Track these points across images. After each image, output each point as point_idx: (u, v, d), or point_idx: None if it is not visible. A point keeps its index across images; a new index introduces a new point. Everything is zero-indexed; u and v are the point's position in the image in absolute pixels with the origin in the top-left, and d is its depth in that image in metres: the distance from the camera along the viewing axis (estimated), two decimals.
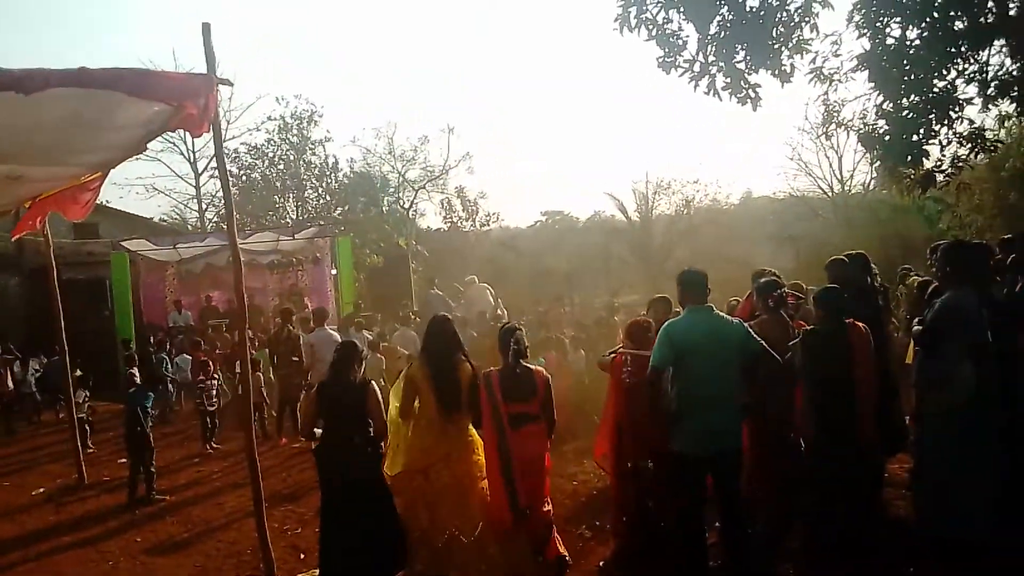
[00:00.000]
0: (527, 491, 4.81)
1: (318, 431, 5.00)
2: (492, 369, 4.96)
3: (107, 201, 22.48)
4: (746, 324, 4.76)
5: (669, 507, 4.87)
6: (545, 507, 5.03)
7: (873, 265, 6.43)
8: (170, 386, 12.28)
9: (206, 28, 5.09)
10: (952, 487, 4.49)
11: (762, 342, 4.59)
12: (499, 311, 13.59)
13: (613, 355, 5.42)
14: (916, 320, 5.06)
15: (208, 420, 9.78)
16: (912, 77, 6.46)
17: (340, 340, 6.85)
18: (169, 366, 12.49)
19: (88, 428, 9.91)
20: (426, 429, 4.92)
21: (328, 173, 29.25)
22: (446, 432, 4.89)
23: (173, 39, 60.91)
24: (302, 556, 5.78)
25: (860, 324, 4.94)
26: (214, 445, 9.73)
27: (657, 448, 4.76)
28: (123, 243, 15.83)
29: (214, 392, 9.82)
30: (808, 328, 5.07)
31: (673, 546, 4.76)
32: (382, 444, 5.02)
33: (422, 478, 4.87)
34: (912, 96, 6.54)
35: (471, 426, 5.02)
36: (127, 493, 7.60)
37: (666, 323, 4.72)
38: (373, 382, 5.07)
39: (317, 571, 5.15)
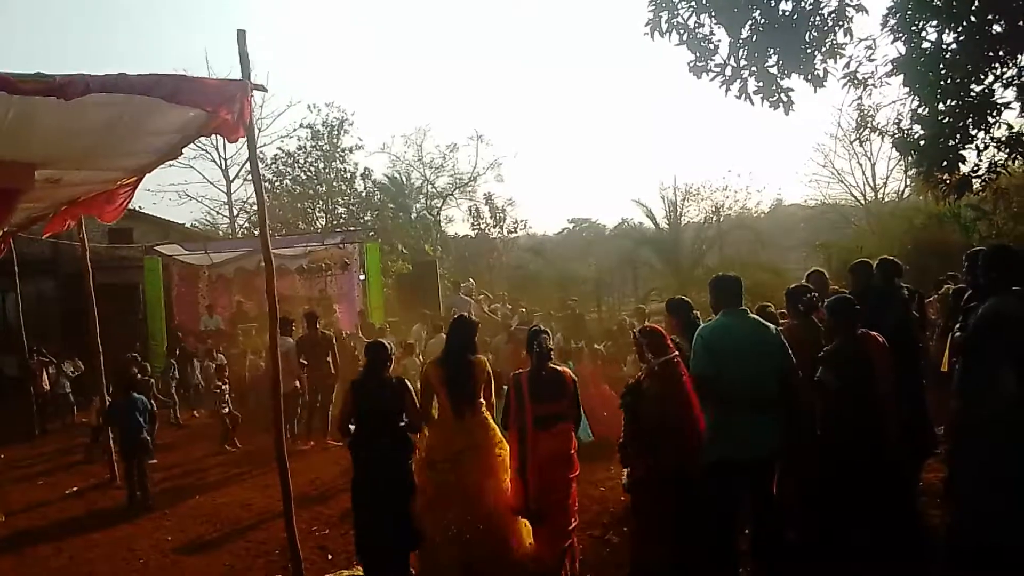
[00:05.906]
0: (544, 488, 4.68)
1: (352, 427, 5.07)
2: (521, 371, 4.94)
3: (140, 207, 22.92)
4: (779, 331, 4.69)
5: (692, 516, 4.59)
6: (566, 520, 4.83)
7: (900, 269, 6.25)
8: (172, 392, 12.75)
9: (241, 34, 5.16)
10: (990, 496, 4.37)
11: (792, 359, 4.52)
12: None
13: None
14: (957, 327, 4.94)
15: (228, 421, 10.19)
16: (948, 81, 6.37)
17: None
18: (177, 371, 13.12)
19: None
20: (439, 426, 4.98)
21: (357, 180, 29.54)
22: (459, 429, 4.90)
23: (205, 40, 61.78)
24: (330, 557, 5.81)
25: (875, 335, 4.81)
26: (237, 445, 10.10)
27: (679, 457, 4.54)
28: (156, 247, 16.13)
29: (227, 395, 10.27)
30: (829, 346, 4.90)
31: (699, 556, 4.60)
32: (415, 438, 5.05)
33: (432, 472, 4.89)
34: (948, 100, 6.45)
35: (492, 422, 5.02)
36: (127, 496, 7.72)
37: (700, 328, 4.65)
38: (406, 380, 5.13)
39: (345, 572, 5.29)
